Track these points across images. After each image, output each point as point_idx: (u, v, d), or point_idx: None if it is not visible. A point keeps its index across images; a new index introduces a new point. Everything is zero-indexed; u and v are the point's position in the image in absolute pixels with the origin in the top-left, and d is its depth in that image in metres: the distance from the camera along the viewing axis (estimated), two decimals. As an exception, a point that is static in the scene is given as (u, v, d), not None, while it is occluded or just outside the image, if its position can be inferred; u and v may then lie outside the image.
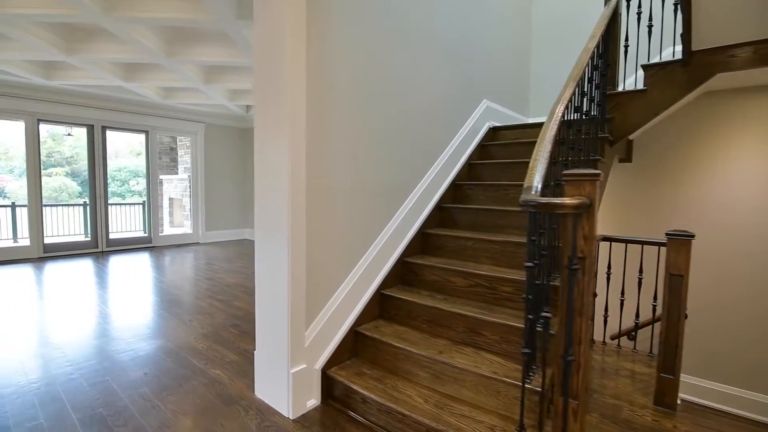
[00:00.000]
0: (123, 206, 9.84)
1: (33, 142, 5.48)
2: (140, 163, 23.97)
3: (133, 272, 4.83)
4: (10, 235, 7.54)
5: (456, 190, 2.97)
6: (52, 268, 4.98)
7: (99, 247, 6.12)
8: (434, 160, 2.82)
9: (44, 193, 5.78)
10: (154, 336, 2.84)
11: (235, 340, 2.80)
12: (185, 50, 4.06)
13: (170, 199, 8.76)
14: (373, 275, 2.32)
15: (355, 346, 2.20)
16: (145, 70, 4.96)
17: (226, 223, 7.67)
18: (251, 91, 5.90)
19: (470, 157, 3.15)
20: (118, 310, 3.40)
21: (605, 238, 2.74)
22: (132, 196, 20.58)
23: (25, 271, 4.80)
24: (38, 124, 5.52)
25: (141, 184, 23.21)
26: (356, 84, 2.16)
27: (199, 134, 7.14)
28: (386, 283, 2.39)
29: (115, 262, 5.45)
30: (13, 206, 7.60)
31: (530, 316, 1.60)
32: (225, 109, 6.81)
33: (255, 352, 2.07)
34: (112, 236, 6.32)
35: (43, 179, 5.88)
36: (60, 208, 8.90)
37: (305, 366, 1.93)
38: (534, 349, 1.46)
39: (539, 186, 1.48)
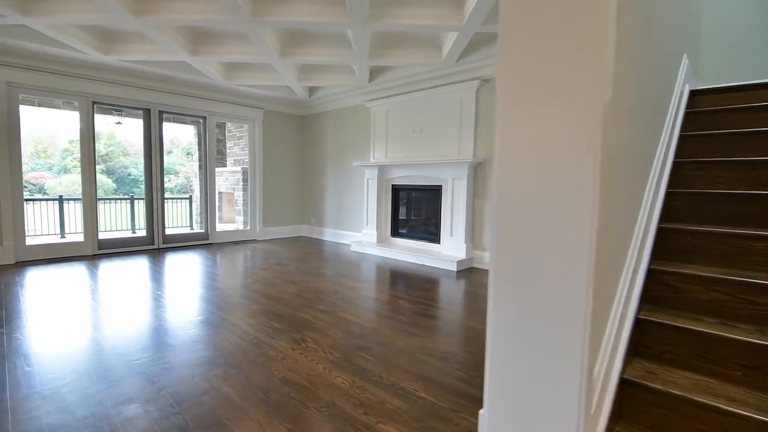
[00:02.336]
0: (167, 201, 9.36)
1: (88, 127, 4.93)
2: (171, 160, 23.77)
3: (202, 273, 4.19)
4: (57, 230, 7.12)
5: (676, 171, 2.15)
6: (110, 267, 4.40)
7: (155, 243, 5.55)
8: (660, 130, 2.01)
9: (81, 189, 5.21)
10: (269, 361, 2.14)
11: (379, 372, 2.06)
12: (274, 7, 3.37)
13: (219, 193, 8.20)
14: (630, 292, 1.54)
15: (621, 403, 1.42)
16: (215, 41, 4.31)
17: (283, 219, 7.03)
18: (326, 66, 5.21)
19: (681, 128, 2.33)
20: (209, 323, 2.72)
21: None
22: (164, 192, 20.44)
23: (82, 270, 4.23)
24: (93, 107, 4.96)
25: (173, 181, 23.16)
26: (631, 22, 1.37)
27: (257, 121, 6.51)
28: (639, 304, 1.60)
29: (176, 260, 4.84)
30: (61, 200, 7.18)
31: None
32: (287, 92, 6.15)
33: (482, 412, 1.32)
34: (167, 232, 5.74)
35: (84, 175, 5.34)
36: (103, 203, 8.44)
37: (591, 446, 1.16)
38: None
39: None
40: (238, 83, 5.39)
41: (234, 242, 6.33)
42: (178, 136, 22.40)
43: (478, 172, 4.68)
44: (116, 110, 6.76)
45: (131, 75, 5.09)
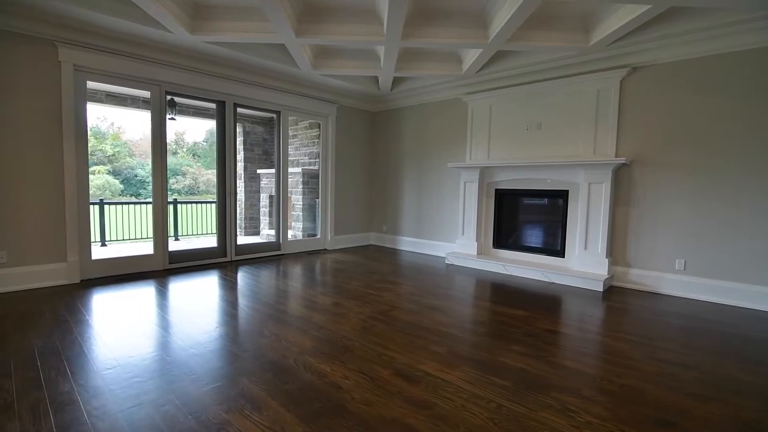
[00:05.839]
0: (201, 204, 8.64)
1: (160, 118, 4.21)
2: (178, 161, 22.95)
3: (313, 295, 3.48)
4: (96, 238, 6.37)
5: None
6: (189, 287, 3.68)
7: (227, 255, 4.83)
8: None
9: (152, 191, 4.52)
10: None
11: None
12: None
13: (270, 197, 7.48)
14: None
15: None
16: (327, 17, 3.63)
17: (352, 226, 6.33)
18: (431, 53, 4.54)
19: None
20: (407, 377, 2.03)
21: None
22: (172, 194, 19.68)
23: (159, 293, 3.51)
24: (166, 97, 4.25)
25: (180, 182, 22.41)
26: None
27: (331, 117, 5.81)
28: None
29: (261, 276, 4.12)
30: (102, 203, 6.44)
31: None
32: (368, 84, 5.46)
33: None
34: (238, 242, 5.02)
35: (156, 174, 4.65)
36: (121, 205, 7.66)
37: None
38: None
39: None
40: (325, 72, 4.69)
41: (307, 252, 5.62)
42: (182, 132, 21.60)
43: (620, 176, 4.02)
44: (169, 104, 6.04)
45: (210, 62, 4.38)
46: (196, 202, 8.66)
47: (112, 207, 7.16)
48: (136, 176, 22.07)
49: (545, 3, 3.30)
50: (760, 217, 3.30)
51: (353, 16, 3.62)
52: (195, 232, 8.06)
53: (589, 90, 4.15)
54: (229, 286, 3.77)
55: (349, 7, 3.56)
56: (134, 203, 8.64)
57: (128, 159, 22.24)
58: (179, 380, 1.95)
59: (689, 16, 3.30)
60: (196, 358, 2.21)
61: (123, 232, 6.89)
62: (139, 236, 7.00)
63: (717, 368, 2.23)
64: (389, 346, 2.42)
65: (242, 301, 3.30)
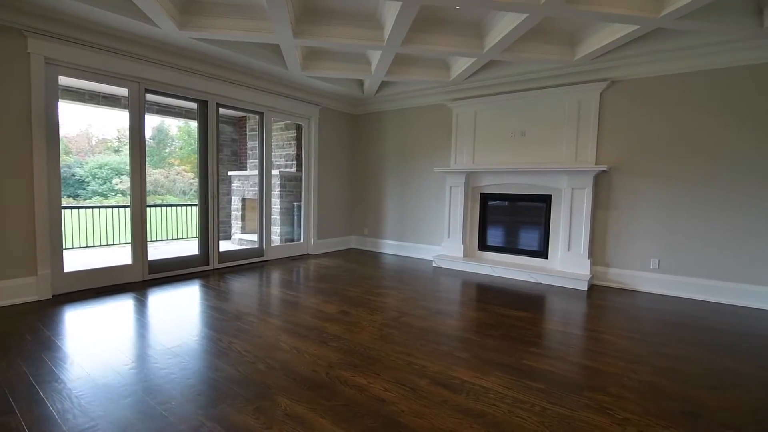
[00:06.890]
0: (170, 208, 8.13)
1: (139, 118, 3.92)
2: (122, 160, 21.65)
3: (313, 305, 3.40)
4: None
5: None
6: (175, 300, 3.46)
7: (210, 263, 4.59)
8: None
9: (130, 195, 4.23)
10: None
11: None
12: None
13: (243, 200, 7.18)
14: None
15: None
16: (329, 20, 3.57)
17: (333, 230, 6.24)
18: (418, 59, 4.59)
19: None
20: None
21: None
22: (116, 195, 18.33)
23: (142, 308, 3.27)
24: (145, 95, 3.95)
25: (125, 183, 20.94)
26: None
27: (314, 120, 5.69)
28: None
29: (251, 285, 3.96)
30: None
31: None
32: (352, 87, 5.42)
33: None
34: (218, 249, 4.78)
35: (134, 177, 4.34)
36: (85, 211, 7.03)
37: None
38: None
39: None
40: (314, 74, 4.60)
41: (290, 258, 5.47)
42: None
43: (600, 181, 4.31)
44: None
45: (195, 59, 4.13)
46: (168, 205, 8.12)
47: (66, 211, 6.53)
48: (73, 176, 20.23)
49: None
50: (727, 219, 3.68)
51: (353, 20, 3.59)
52: (159, 238, 7.56)
53: (571, 100, 4.41)
54: (221, 296, 3.59)
55: (350, 11, 3.51)
56: (90, 207, 7.96)
57: (64, 157, 20.31)
58: (213, 404, 1.84)
59: (669, 36, 3.60)
60: (221, 377, 2.09)
61: (79, 239, 6.31)
62: (98, 243, 6.44)
63: (713, 361, 2.46)
64: (415, 354, 2.43)
65: (243, 312, 3.16)
